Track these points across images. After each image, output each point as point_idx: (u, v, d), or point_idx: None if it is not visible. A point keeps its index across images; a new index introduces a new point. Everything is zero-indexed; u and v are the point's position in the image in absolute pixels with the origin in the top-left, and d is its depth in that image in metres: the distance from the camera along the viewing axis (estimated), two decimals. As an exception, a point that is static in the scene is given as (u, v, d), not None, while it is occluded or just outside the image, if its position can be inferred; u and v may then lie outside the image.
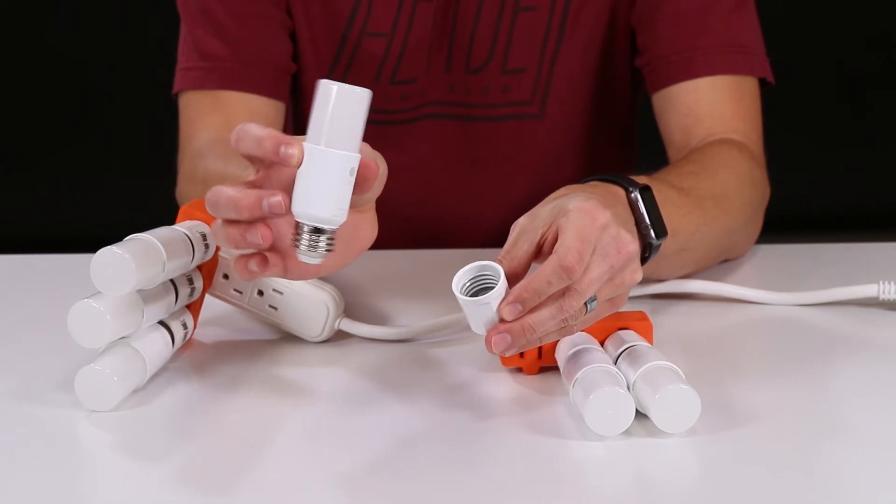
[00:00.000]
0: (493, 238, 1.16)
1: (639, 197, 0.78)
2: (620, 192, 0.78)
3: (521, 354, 0.74)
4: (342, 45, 1.09)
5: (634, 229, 0.76)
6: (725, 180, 0.95)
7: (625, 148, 1.20)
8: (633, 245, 0.69)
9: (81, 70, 2.17)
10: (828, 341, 0.81)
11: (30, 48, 2.16)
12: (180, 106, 1.10)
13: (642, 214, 0.77)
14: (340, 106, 0.63)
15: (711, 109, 1.04)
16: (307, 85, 1.12)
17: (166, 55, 1.13)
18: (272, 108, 1.08)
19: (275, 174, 0.67)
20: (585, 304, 0.68)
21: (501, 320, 0.67)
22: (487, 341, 0.67)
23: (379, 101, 1.11)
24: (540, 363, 0.74)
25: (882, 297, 0.85)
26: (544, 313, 0.67)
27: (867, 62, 2.17)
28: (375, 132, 1.12)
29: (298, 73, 1.12)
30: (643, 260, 0.78)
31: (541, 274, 0.66)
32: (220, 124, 1.05)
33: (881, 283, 0.85)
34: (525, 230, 0.71)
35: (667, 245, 0.79)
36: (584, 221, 0.68)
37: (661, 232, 0.78)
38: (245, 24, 1.07)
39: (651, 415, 0.64)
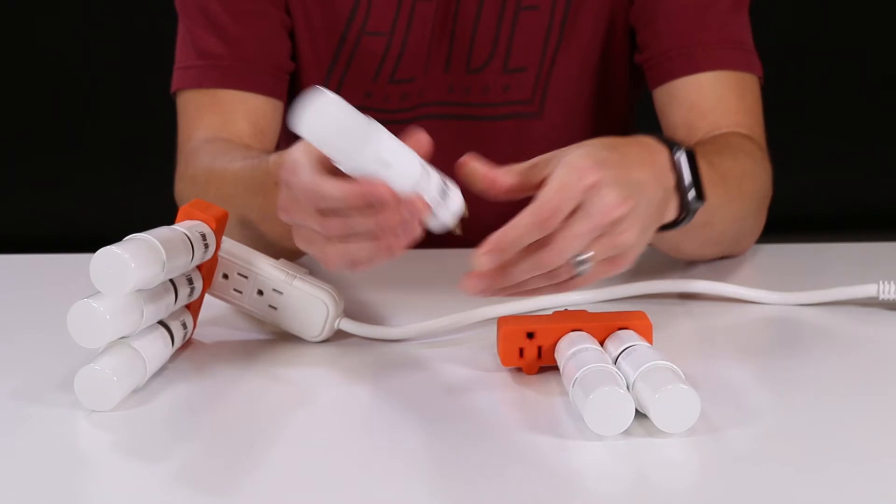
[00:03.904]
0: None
1: (682, 157, 0.76)
2: (663, 151, 0.76)
3: (521, 354, 0.74)
4: (341, 43, 1.09)
5: (659, 191, 0.74)
6: (744, 163, 0.96)
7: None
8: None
9: (81, 69, 2.17)
10: (828, 341, 0.81)
11: (30, 48, 2.16)
12: (178, 105, 1.09)
13: (683, 175, 0.76)
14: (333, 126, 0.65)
15: (715, 104, 1.04)
16: (306, 84, 1.12)
17: (167, 54, 1.13)
18: (270, 106, 1.08)
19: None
20: (574, 264, 0.68)
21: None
22: (462, 283, 0.69)
23: (378, 100, 1.12)
24: (539, 363, 0.74)
25: (882, 296, 0.85)
26: (521, 266, 0.68)
27: (867, 62, 2.17)
28: None
29: (297, 72, 1.12)
30: (678, 223, 0.78)
31: (516, 225, 0.67)
32: (217, 123, 1.05)
33: (881, 282, 0.85)
34: (539, 163, 0.72)
35: (696, 215, 0.79)
36: (569, 177, 0.67)
37: (701, 195, 0.77)
38: (244, 23, 1.07)
39: (651, 415, 0.64)
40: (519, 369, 0.75)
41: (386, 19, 1.07)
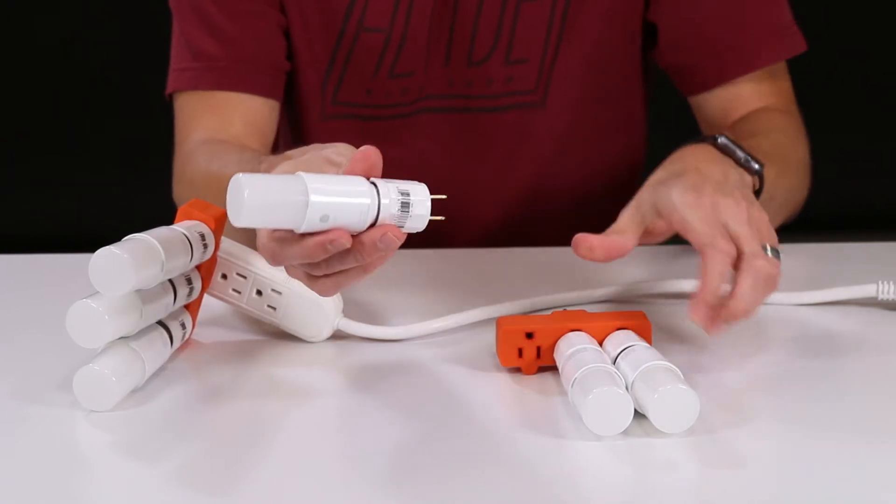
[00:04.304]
0: (494, 232, 1.17)
1: (724, 139, 0.84)
2: (706, 146, 0.84)
3: (520, 354, 0.74)
4: (339, 41, 1.09)
5: (735, 171, 0.82)
6: (779, 141, 1.01)
7: (631, 134, 1.20)
8: (742, 202, 0.75)
9: (82, 69, 2.17)
10: (827, 341, 0.81)
11: (30, 48, 2.17)
12: (175, 107, 1.09)
13: (734, 151, 0.84)
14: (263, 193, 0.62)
15: (752, 95, 1.09)
16: (303, 84, 1.12)
17: (167, 54, 1.13)
18: (267, 107, 1.08)
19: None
20: (774, 258, 0.74)
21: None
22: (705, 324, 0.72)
23: (379, 96, 1.12)
24: (538, 363, 0.74)
25: (881, 296, 0.85)
26: (744, 288, 0.71)
27: (867, 62, 2.17)
28: (376, 127, 1.12)
29: (294, 72, 1.11)
30: (758, 194, 0.85)
31: (708, 273, 0.71)
32: (215, 125, 1.05)
33: (880, 282, 0.85)
34: (633, 218, 0.77)
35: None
36: (700, 213, 0.73)
37: (757, 160, 0.85)
38: (239, 23, 1.06)
39: (650, 415, 0.64)
40: (518, 369, 0.75)
41: (384, 14, 1.07)
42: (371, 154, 0.65)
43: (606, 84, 1.14)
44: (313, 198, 0.62)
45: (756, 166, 0.85)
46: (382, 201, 0.65)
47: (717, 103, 1.10)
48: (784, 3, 1.10)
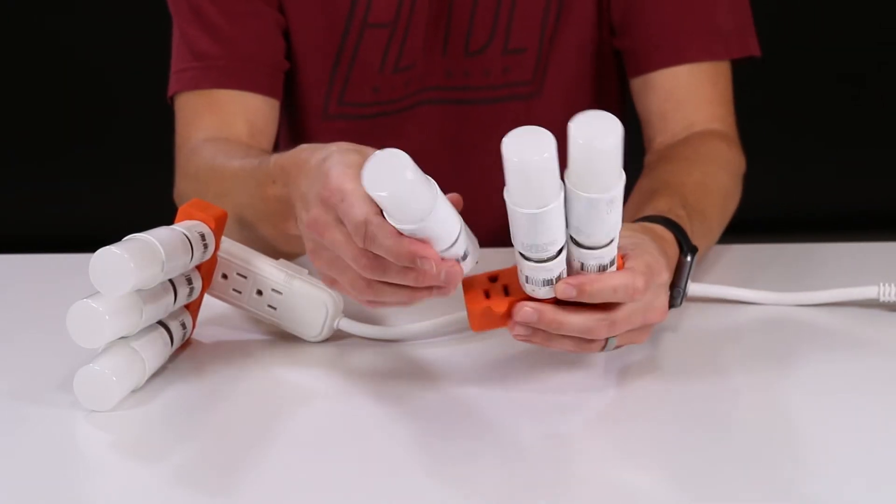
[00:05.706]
0: (494, 223, 1.16)
1: (690, 260, 0.82)
2: (675, 249, 0.82)
3: (487, 295, 0.71)
4: (344, 39, 1.09)
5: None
6: (727, 187, 1.01)
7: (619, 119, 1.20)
8: (665, 315, 0.73)
9: (84, 71, 2.17)
10: (828, 342, 0.81)
11: (30, 48, 2.17)
12: (176, 108, 1.09)
13: (681, 279, 0.82)
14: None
15: (689, 95, 1.08)
16: (303, 84, 1.12)
17: (169, 54, 1.13)
18: (267, 105, 1.08)
19: None
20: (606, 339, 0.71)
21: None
22: (512, 324, 0.69)
23: (386, 91, 1.11)
24: (509, 300, 0.70)
25: (882, 298, 0.85)
26: (577, 321, 0.69)
27: (866, 63, 2.17)
28: (378, 124, 1.12)
29: (292, 72, 1.11)
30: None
31: (610, 280, 0.68)
32: (215, 124, 1.05)
33: (881, 284, 0.85)
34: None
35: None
36: (652, 267, 0.71)
37: (684, 296, 0.82)
38: (238, 23, 1.06)
39: None
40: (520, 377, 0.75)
41: (389, 9, 1.07)
42: (458, 203, 0.68)
43: (600, 69, 1.14)
44: (437, 210, 0.64)
45: (678, 298, 0.82)
46: (456, 245, 0.67)
47: (654, 95, 1.09)
48: (733, 6, 1.08)
